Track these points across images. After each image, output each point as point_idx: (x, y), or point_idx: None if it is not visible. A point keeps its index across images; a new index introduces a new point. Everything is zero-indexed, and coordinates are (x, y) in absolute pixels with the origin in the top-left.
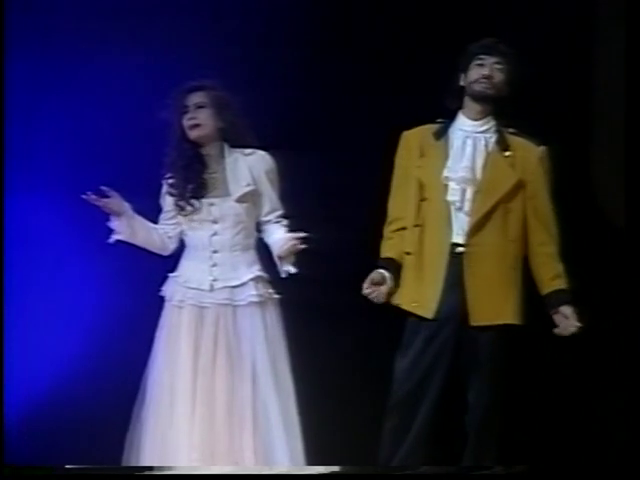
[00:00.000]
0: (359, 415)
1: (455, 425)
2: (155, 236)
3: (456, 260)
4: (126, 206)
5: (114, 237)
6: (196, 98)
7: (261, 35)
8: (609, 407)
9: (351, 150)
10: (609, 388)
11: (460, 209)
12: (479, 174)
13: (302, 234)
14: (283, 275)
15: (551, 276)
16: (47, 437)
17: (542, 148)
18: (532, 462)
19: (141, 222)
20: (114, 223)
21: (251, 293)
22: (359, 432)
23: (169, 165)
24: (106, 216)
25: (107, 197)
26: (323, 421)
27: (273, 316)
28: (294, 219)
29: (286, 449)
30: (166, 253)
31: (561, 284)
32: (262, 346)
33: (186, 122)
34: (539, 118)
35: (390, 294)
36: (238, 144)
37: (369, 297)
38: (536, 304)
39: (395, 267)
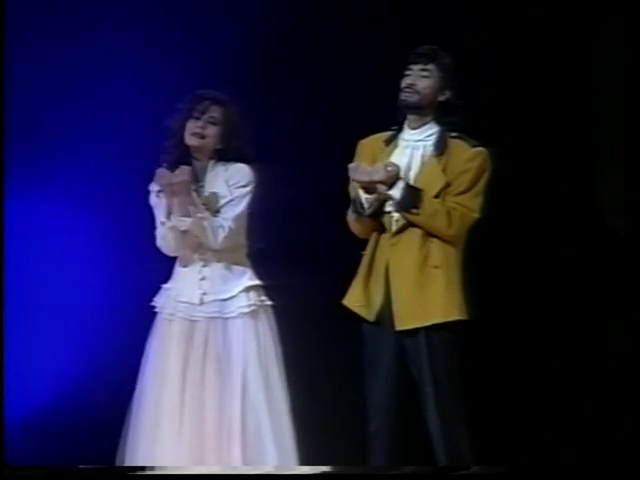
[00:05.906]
0: (350, 418)
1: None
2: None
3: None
4: None
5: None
6: (212, 111)
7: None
8: (590, 404)
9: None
10: (600, 386)
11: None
12: (411, 181)
13: None
14: None
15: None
16: (47, 437)
17: (476, 150)
18: (511, 462)
19: None
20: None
21: (241, 304)
22: (352, 435)
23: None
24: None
25: None
26: (314, 425)
27: (265, 323)
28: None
29: (276, 459)
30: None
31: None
32: (253, 354)
33: (192, 127)
34: (541, 119)
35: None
36: (225, 161)
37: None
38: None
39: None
